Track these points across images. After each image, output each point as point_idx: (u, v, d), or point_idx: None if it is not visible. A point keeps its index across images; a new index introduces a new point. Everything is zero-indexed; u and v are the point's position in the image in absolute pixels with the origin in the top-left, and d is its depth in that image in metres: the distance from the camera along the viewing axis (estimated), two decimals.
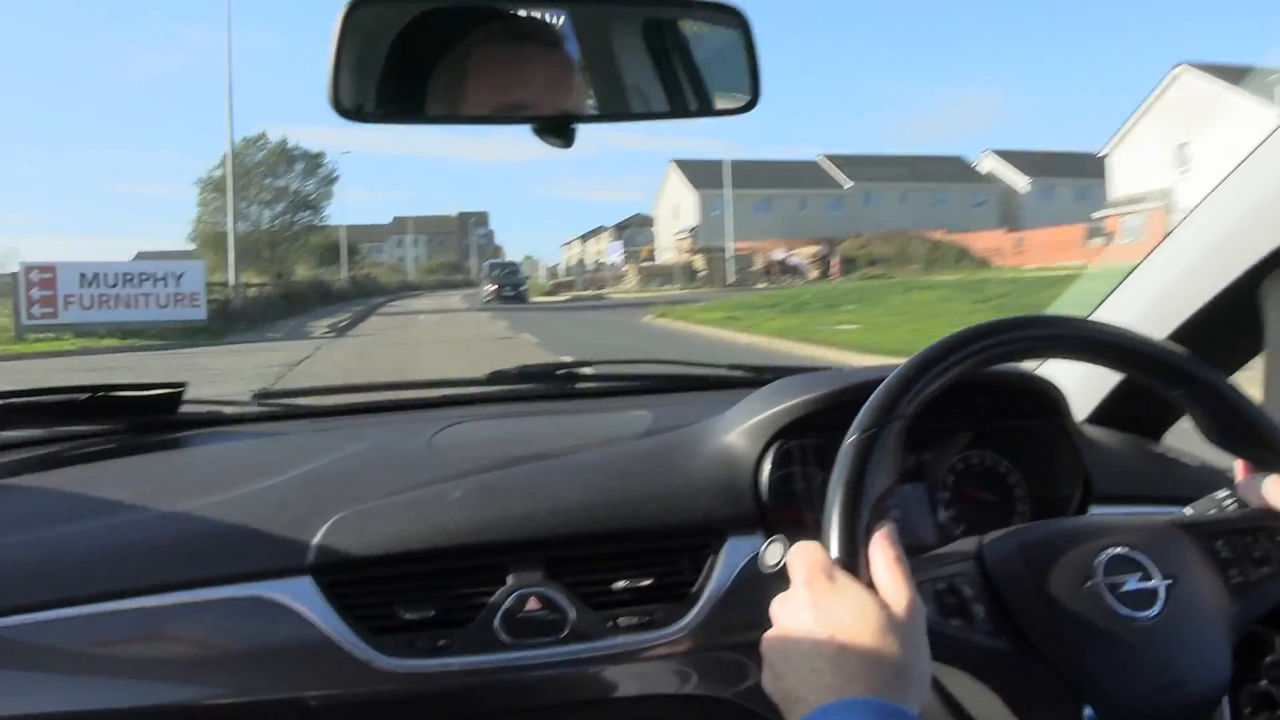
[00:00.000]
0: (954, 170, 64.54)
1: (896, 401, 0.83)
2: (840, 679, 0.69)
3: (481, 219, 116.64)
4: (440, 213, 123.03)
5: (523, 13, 1.10)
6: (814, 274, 45.59)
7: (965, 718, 0.85)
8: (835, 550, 0.76)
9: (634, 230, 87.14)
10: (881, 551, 0.75)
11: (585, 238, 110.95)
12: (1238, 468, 0.90)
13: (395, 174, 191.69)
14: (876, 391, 0.84)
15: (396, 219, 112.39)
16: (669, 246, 61.48)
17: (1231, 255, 1.26)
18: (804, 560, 0.76)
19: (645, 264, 55.08)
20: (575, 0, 1.13)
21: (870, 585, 0.74)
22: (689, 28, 1.19)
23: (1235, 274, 1.26)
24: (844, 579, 0.74)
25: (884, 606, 0.72)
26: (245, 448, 1.52)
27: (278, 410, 1.71)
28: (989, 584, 0.82)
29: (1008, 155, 63.56)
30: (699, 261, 50.61)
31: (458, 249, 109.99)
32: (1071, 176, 57.27)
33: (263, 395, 1.72)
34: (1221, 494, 0.93)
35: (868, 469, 0.80)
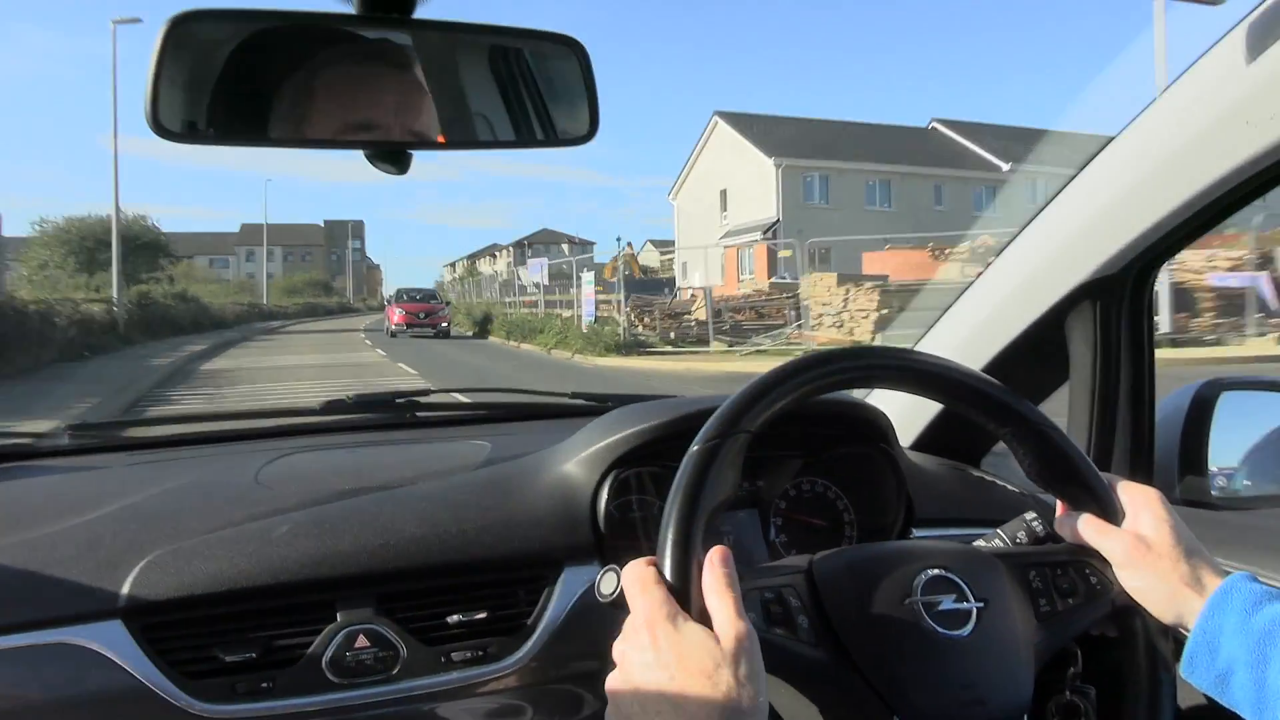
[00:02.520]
0: None
1: (740, 417, 0.85)
2: None
3: (355, 229, 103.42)
4: (302, 220, 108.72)
5: (361, 34, 1.08)
6: None
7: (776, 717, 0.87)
8: (669, 573, 0.78)
9: (540, 247, 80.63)
10: (712, 573, 0.77)
11: (474, 258, 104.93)
12: (1057, 505, 0.96)
13: (239, 192, 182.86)
14: (721, 407, 0.87)
15: (246, 227, 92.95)
16: (703, 257, 37.18)
17: (1039, 291, 1.36)
18: (642, 598, 0.77)
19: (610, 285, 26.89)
20: (410, 24, 1.11)
21: (705, 616, 0.76)
22: (530, 57, 1.19)
23: (1043, 309, 1.36)
24: (682, 619, 0.75)
25: (719, 643, 0.73)
26: (55, 482, 1.42)
27: (93, 442, 1.61)
28: (815, 597, 0.86)
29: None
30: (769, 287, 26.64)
31: (325, 264, 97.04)
32: None
33: (77, 426, 1.62)
34: (1029, 516, 1.00)
35: (708, 477, 0.82)
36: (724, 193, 42.99)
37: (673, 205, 47.71)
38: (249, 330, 37.74)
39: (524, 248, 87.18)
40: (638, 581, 0.78)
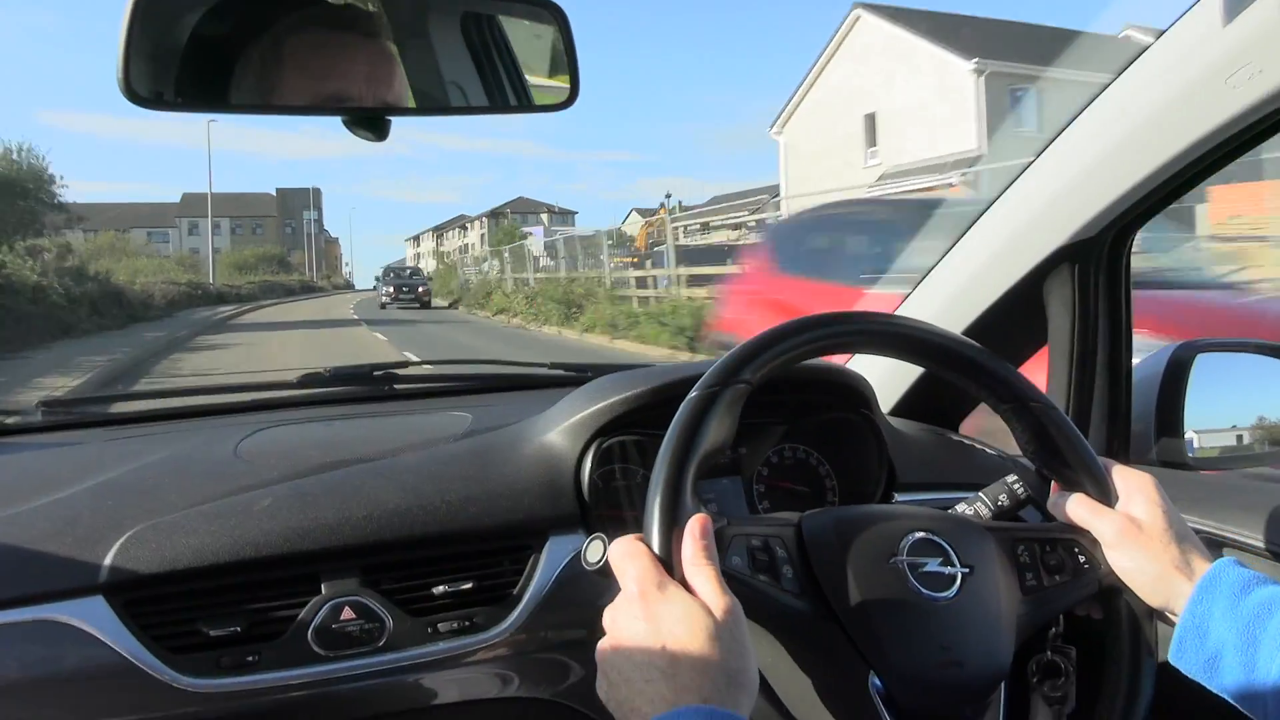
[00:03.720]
0: None
1: (741, 368, 0.87)
2: (673, 689, 0.71)
3: (312, 198, 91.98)
4: (251, 188, 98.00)
5: (339, 0, 1.07)
6: None
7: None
8: (656, 543, 0.78)
9: (518, 216, 75.51)
10: (692, 545, 0.77)
11: (440, 230, 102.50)
12: (1051, 485, 0.96)
13: (181, 165, 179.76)
14: (720, 359, 0.88)
15: (188, 196, 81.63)
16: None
17: (1018, 255, 1.36)
18: (632, 567, 0.77)
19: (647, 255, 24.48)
20: None
21: (688, 586, 0.76)
22: (508, 23, 1.18)
23: (1021, 272, 1.36)
24: (672, 587, 0.76)
25: (709, 613, 0.74)
26: (29, 460, 1.41)
27: (67, 419, 1.59)
28: (801, 549, 0.86)
29: None
30: None
31: (280, 237, 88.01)
32: None
33: (49, 403, 1.59)
34: (1010, 478, 1.00)
35: (706, 421, 0.83)
36: (871, 118, 29.72)
37: (777, 142, 34.50)
38: (187, 325, 24.22)
39: (500, 218, 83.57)
40: (626, 554, 0.78)
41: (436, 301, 36.93)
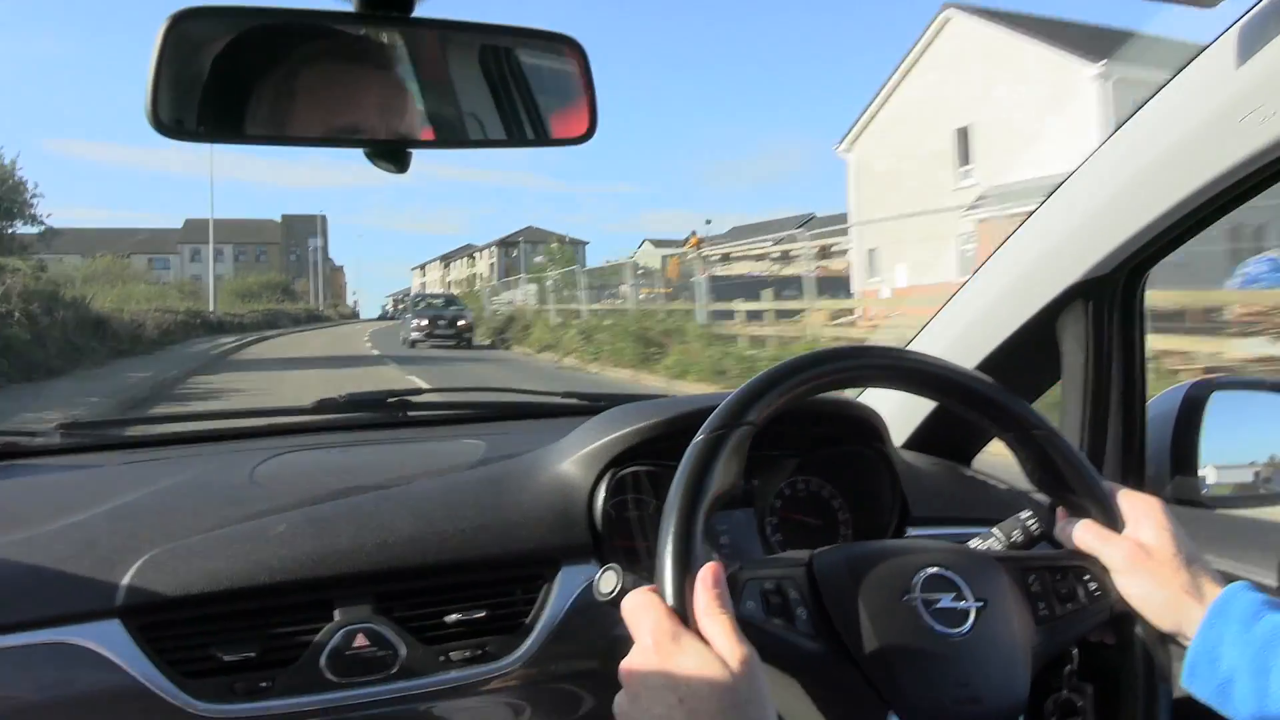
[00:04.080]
0: None
1: (746, 409, 0.86)
2: None
3: (319, 225, 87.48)
4: (255, 215, 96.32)
5: (355, 32, 1.08)
6: None
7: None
8: (669, 594, 0.78)
9: (529, 245, 74.09)
10: (705, 595, 0.77)
11: (447, 259, 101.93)
12: (1058, 511, 0.96)
13: (184, 194, 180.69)
14: (725, 400, 0.88)
15: (191, 222, 79.72)
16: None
17: (1031, 291, 1.37)
18: (646, 620, 0.77)
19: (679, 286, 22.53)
20: (409, 23, 1.11)
21: (703, 636, 0.76)
22: (526, 56, 1.20)
23: (1035, 309, 1.37)
24: (686, 638, 0.76)
25: (724, 664, 0.74)
26: (48, 482, 1.42)
27: (85, 441, 1.60)
28: (814, 589, 0.86)
29: None
30: None
31: (284, 265, 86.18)
32: None
33: (68, 425, 1.61)
34: (1025, 514, 1.00)
35: (714, 466, 0.83)
36: (964, 133, 26.25)
37: (845, 161, 31.12)
38: (179, 361, 20.56)
39: (510, 247, 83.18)
40: (639, 606, 0.78)
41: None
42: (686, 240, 33.23)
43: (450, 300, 32.01)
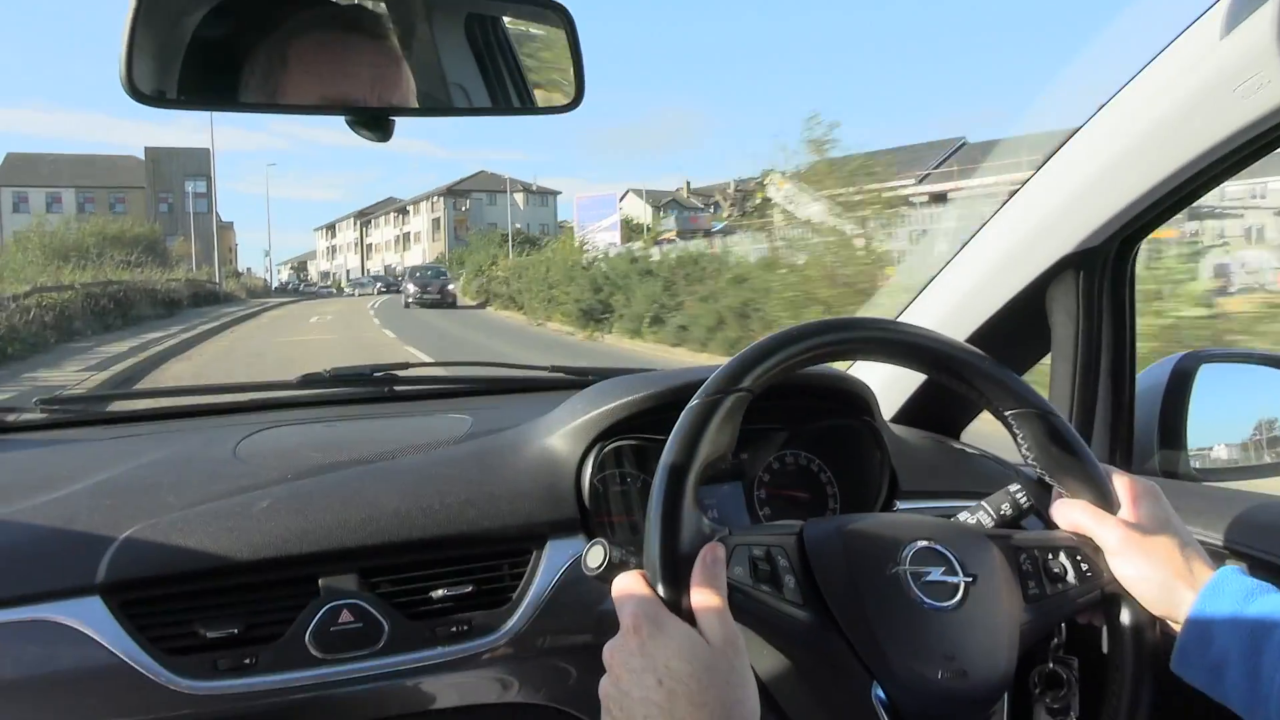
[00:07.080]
0: None
1: (742, 375, 0.86)
2: None
3: (198, 162, 61.84)
4: (107, 151, 70.32)
5: (344, 1, 1.06)
6: None
7: (758, 681, 0.88)
8: (656, 576, 0.77)
9: (486, 195, 67.41)
10: (703, 572, 0.77)
11: (364, 215, 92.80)
12: (1052, 490, 0.96)
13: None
14: (722, 367, 0.87)
15: (12, 158, 59.23)
16: None
17: (1022, 263, 1.36)
18: (630, 603, 0.77)
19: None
20: None
21: (691, 615, 0.76)
22: (514, 24, 1.18)
23: (1025, 280, 1.36)
24: (669, 621, 0.75)
25: (708, 645, 0.74)
26: (27, 457, 1.40)
27: (65, 416, 1.58)
28: (804, 559, 0.86)
29: None
30: None
31: (152, 215, 57.30)
32: None
33: (48, 400, 1.59)
34: (1013, 487, 1.00)
35: (705, 430, 0.82)
36: None
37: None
38: None
39: (461, 198, 74.46)
40: (624, 589, 0.78)
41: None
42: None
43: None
